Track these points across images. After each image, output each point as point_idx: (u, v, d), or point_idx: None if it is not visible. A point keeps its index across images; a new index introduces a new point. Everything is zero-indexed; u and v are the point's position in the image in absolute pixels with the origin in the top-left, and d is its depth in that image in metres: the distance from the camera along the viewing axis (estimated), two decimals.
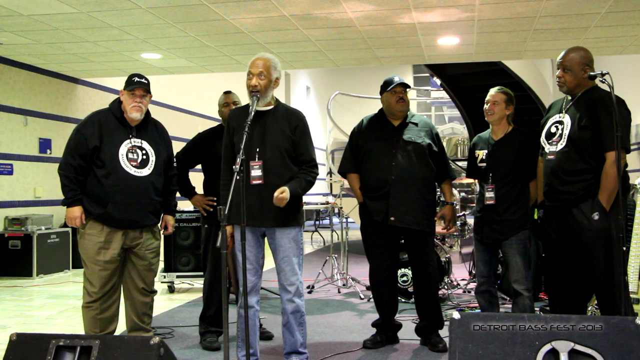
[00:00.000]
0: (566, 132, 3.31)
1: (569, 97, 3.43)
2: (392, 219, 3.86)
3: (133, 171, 3.51)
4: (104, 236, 3.47)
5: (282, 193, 3.17)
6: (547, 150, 3.41)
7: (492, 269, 3.98)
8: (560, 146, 3.32)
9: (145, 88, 3.53)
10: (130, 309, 3.64)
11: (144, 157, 3.57)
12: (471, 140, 4.11)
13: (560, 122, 3.37)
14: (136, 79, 3.52)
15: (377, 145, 3.98)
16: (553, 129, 3.41)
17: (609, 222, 3.15)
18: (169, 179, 3.77)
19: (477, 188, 4.27)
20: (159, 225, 3.74)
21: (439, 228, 4.17)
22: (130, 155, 3.51)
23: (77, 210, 3.46)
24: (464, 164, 10.19)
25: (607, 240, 3.16)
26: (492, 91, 3.91)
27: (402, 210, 3.85)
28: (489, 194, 3.81)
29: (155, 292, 3.73)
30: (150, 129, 3.66)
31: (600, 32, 6.52)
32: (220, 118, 4.24)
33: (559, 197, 3.32)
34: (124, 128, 3.54)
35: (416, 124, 4.00)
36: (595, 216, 3.18)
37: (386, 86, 3.99)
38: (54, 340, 2.39)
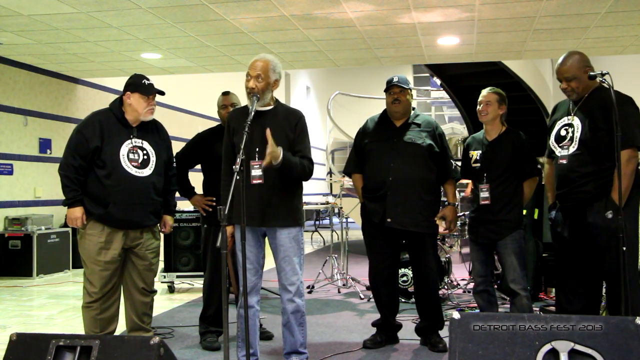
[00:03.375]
0: (577, 135, 3.31)
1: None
2: (389, 220, 3.86)
3: (134, 171, 3.51)
4: (104, 236, 3.47)
5: (276, 151, 3.11)
6: (558, 154, 3.41)
7: (488, 268, 3.98)
8: (572, 149, 3.33)
9: (156, 90, 3.58)
10: (130, 309, 3.64)
11: (145, 157, 3.57)
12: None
13: (570, 125, 3.36)
14: (146, 81, 3.55)
15: (377, 146, 3.98)
16: (563, 132, 3.40)
17: (622, 220, 3.15)
18: (169, 179, 3.77)
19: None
20: (158, 225, 3.75)
21: (441, 229, 4.16)
22: (131, 156, 3.52)
23: (78, 211, 3.46)
24: None
25: (620, 238, 3.16)
26: (485, 92, 3.92)
27: (399, 212, 3.85)
28: (484, 194, 3.82)
29: (155, 292, 3.74)
30: (151, 130, 3.67)
31: (600, 32, 6.52)
32: (220, 119, 4.25)
33: (573, 197, 3.33)
34: (124, 128, 3.55)
35: (419, 125, 3.98)
36: (609, 214, 3.18)
37: (385, 86, 3.99)
38: (54, 340, 2.39)
